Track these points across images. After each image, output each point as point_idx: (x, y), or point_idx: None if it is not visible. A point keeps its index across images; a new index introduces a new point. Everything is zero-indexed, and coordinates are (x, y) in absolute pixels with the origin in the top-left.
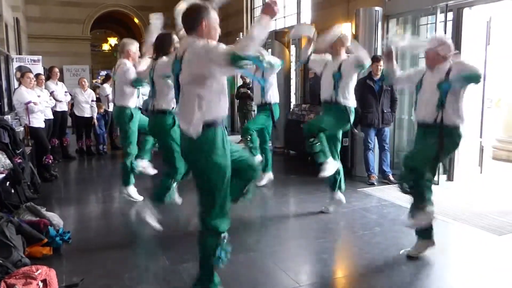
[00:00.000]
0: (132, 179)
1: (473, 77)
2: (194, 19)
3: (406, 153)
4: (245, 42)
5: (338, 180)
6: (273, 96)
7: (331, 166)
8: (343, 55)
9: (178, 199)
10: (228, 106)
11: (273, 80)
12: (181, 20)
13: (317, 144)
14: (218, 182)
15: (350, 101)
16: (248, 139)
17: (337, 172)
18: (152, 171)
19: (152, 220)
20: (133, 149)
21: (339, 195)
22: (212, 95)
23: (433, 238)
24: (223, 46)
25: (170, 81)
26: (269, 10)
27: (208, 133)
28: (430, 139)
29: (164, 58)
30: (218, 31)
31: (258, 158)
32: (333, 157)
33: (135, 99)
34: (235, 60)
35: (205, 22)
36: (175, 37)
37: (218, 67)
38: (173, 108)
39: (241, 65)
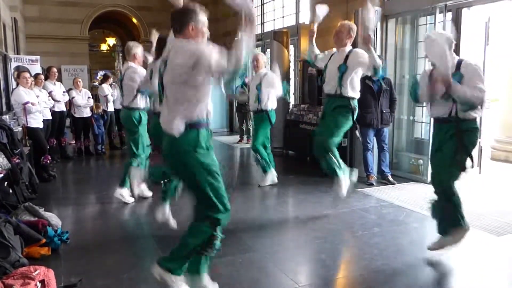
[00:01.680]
0: (128, 183)
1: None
2: (181, 22)
3: None
4: (236, 57)
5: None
6: (270, 103)
7: (345, 182)
8: (349, 46)
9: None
10: (211, 108)
11: (273, 88)
12: (170, 21)
13: (332, 160)
14: (207, 179)
15: (356, 94)
16: (259, 157)
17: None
18: (148, 193)
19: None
20: (141, 150)
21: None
22: (196, 95)
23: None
24: (215, 57)
25: None
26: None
27: (190, 134)
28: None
29: None
30: (206, 35)
31: (273, 173)
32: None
33: (144, 100)
34: (227, 81)
35: (193, 25)
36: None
37: (205, 75)
38: None
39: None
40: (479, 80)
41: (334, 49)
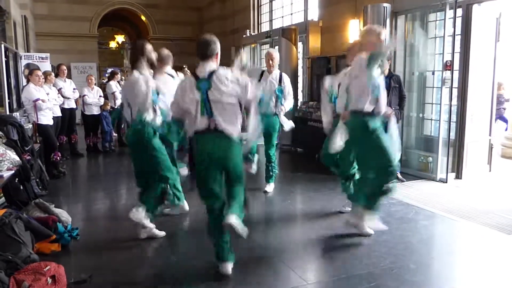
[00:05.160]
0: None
1: None
2: (214, 49)
3: None
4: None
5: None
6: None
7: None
8: None
9: (186, 207)
10: None
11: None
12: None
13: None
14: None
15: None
16: (273, 166)
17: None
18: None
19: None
20: (170, 171)
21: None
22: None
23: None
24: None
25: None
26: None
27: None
28: None
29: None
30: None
31: (271, 187)
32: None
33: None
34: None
35: (219, 54)
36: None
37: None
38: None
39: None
40: None
41: (342, 72)
